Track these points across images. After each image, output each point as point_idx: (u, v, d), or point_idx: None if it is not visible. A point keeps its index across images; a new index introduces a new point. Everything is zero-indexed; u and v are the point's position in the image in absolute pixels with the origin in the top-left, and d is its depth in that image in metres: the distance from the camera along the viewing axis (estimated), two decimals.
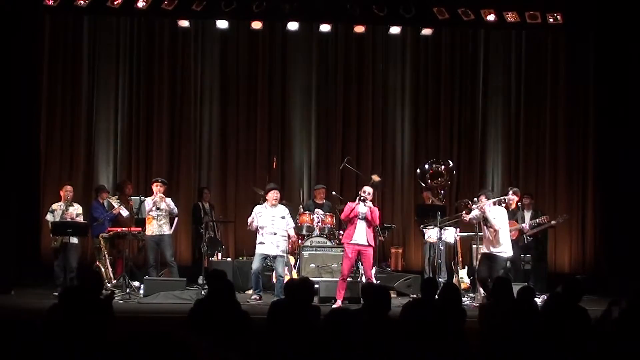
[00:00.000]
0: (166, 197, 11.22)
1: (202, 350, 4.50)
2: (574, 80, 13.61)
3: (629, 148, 12.39)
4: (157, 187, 11.11)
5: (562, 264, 13.48)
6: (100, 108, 13.40)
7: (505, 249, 10.15)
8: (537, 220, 11.44)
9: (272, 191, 10.61)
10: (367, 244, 10.17)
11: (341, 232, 12.26)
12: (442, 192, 11.86)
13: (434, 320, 5.77)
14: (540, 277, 12.03)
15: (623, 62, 12.39)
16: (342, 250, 10.67)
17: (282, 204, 10.87)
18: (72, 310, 5.17)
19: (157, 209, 11.06)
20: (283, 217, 10.61)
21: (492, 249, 10.10)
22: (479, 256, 10.42)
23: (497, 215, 10.14)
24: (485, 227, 10.20)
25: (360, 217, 10.16)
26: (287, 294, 6.07)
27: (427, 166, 11.83)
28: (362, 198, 10.21)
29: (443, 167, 11.77)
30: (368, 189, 10.34)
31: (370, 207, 10.22)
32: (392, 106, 13.99)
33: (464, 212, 10.63)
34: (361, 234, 10.15)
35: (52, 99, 13.13)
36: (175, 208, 11.31)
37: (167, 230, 11.23)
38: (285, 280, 10.89)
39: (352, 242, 10.19)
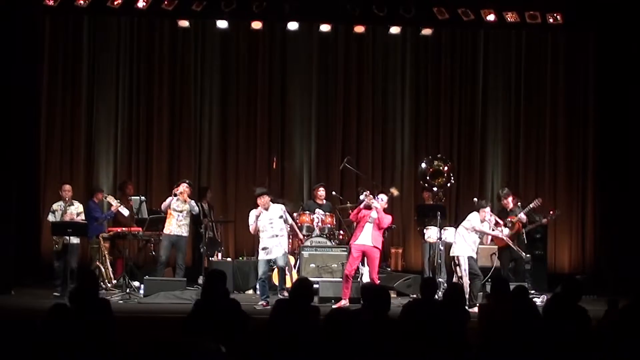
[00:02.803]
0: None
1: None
2: (574, 80, 13.61)
3: (629, 148, 12.40)
4: (183, 187, 11.14)
5: (562, 264, 13.49)
6: (100, 108, 13.39)
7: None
8: (531, 205, 11.47)
9: (261, 197, 10.47)
10: (372, 244, 10.32)
11: (341, 232, 12.30)
12: (441, 192, 11.86)
13: (434, 320, 5.77)
14: (540, 277, 12.02)
15: (623, 62, 12.39)
16: (343, 251, 10.86)
17: (278, 203, 10.87)
18: (80, 310, 5.18)
19: (175, 196, 11.04)
20: (280, 217, 10.60)
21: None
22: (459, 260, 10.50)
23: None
24: (474, 234, 10.51)
25: (369, 220, 10.34)
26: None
27: (424, 165, 11.87)
28: (372, 204, 10.33)
29: (446, 167, 11.78)
30: (385, 197, 10.63)
31: (377, 209, 10.33)
32: (392, 106, 13.97)
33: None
34: (366, 236, 10.34)
35: (52, 99, 13.12)
36: (196, 207, 11.35)
37: (185, 232, 11.26)
38: (290, 277, 10.95)
39: (357, 242, 10.38)
